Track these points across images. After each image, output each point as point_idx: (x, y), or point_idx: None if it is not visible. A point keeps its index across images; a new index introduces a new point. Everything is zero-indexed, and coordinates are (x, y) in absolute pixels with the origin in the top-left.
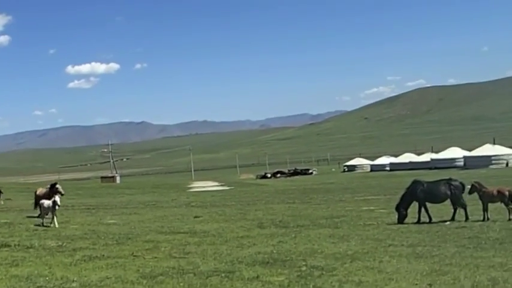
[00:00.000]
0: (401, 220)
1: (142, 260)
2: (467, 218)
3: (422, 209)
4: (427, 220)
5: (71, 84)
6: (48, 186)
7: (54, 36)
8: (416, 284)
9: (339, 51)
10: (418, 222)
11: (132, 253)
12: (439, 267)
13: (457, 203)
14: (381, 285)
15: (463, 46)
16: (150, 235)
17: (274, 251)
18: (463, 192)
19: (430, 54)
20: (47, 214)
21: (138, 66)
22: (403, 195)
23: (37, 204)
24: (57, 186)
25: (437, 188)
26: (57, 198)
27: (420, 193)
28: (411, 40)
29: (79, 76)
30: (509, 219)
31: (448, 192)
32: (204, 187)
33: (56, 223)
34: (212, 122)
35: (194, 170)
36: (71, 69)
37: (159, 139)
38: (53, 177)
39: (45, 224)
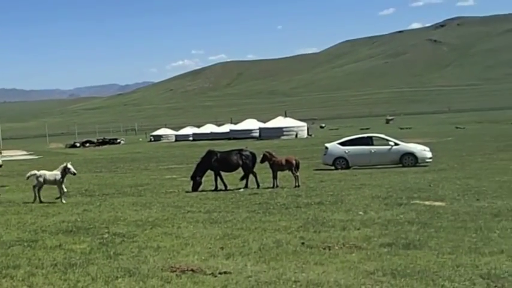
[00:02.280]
0: (196, 188)
1: None
2: (258, 185)
3: (219, 177)
4: (223, 188)
5: None
6: None
7: None
8: (210, 248)
9: (146, 22)
10: (216, 189)
11: None
12: (231, 232)
13: (249, 170)
14: (178, 250)
15: (261, 24)
16: None
17: (79, 220)
18: (254, 162)
19: (232, 31)
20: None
21: None
22: (198, 165)
23: None
24: None
25: (229, 157)
26: (69, 165)
27: (214, 162)
28: (215, 15)
29: None
30: (295, 186)
31: (240, 162)
32: (12, 156)
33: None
34: (21, 90)
35: (3, 139)
36: None
37: None
38: None
39: (42, 200)
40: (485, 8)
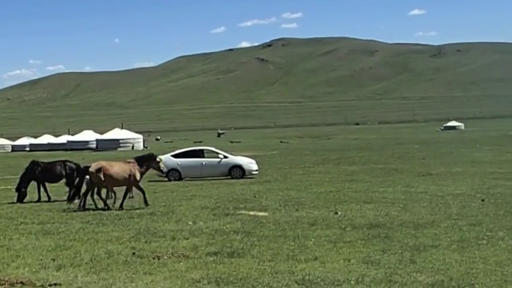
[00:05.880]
0: (21, 199)
1: None
2: (70, 199)
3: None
4: (47, 199)
5: None
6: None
7: None
8: (41, 260)
9: None
10: (39, 201)
11: None
12: (63, 243)
13: (72, 183)
14: (8, 262)
15: (98, 36)
16: None
17: None
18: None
19: (69, 42)
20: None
21: None
22: (22, 176)
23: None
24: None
25: (53, 168)
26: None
27: (38, 173)
28: (53, 25)
29: None
30: (129, 197)
31: (64, 172)
32: None
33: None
34: None
35: None
36: None
37: None
38: None
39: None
40: (307, 30)
